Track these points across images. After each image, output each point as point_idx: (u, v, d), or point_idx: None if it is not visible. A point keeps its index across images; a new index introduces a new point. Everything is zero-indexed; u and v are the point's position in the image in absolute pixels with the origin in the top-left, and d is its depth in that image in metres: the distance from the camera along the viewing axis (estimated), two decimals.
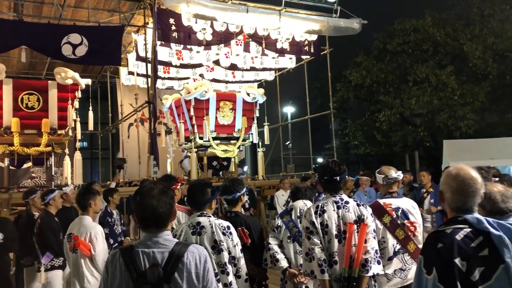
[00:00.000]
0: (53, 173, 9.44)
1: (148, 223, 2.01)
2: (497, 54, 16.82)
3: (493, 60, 16.54)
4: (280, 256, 3.71)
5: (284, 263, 3.68)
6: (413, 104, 16.91)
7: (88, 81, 10.38)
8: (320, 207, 3.20)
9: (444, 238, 1.87)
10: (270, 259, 3.69)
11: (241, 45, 10.40)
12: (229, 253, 3.03)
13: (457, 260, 1.80)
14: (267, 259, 3.68)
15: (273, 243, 3.80)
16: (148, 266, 1.91)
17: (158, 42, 8.95)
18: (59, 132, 9.56)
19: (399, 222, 3.59)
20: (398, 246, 3.57)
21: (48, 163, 9.81)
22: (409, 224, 3.60)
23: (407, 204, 3.69)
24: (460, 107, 16.23)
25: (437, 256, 1.84)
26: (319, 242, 3.09)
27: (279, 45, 10.16)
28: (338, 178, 3.22)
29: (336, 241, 3.10)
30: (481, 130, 16.63)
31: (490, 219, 1.92)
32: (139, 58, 10.11)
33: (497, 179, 5.12)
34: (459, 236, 1.85)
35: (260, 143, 11.82)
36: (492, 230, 1.85)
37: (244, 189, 3.76)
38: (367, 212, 3.19)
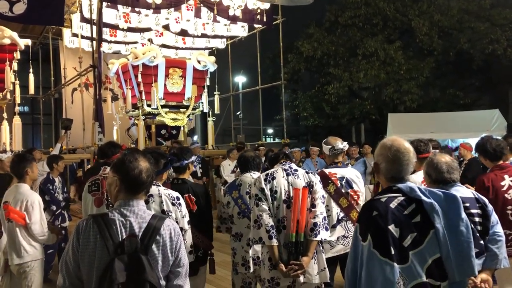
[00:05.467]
0: None
1: (131, 185, 2.01)
2: (442, 31, 17.36)
3: (438, 36, 17.07)
4: None
5: None
6: (361, 78, 17.24)
7: (28, 41, 9.74)
8: (270, 174, 3.25)
9: (379, 206, 1.93)
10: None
11: (192, 10, 10.09)
12: (177, 223, 3.01)
13: (391, 227, 1.87)
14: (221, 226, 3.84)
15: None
16: (126, 236, 1.91)
17: (104, 3, 8.52)
18: None
19: (343, 191, 3.69)
20: (342, 214, 3.68)
21: None
22: (352, 193, 3.71)
23: (351, 173, 3.79)
24: (405, 82, 16.74)
25: (372, 223, 1.90)
26: (267, 208, 3.12)
27: (231, 12, 9.94)
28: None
29: (284, 206, 3.14)
30: (424, 104, 17.28)
31: (422, 188, 2.01)
32: (83, 19, 9.59)
33: (437, 150, 5.37)
34: (393, 205, 1.92)
35: (210, 112, 11.67)
36: (424, 198, 1.94)
37: (193, 157, 3.71)
38: (316, 179, 3.24)
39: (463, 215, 1.99)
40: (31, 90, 10.72)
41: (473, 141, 7.92)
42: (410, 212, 1.92)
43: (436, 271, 1.90)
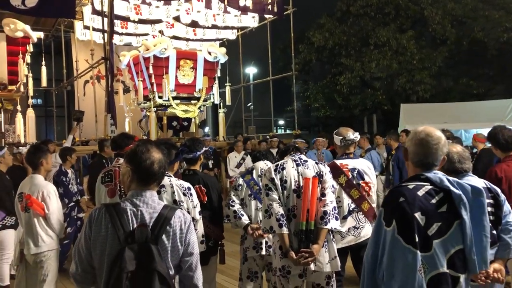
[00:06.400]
0: (3, 130, 9.06)
1: (143, 176, 2.03)
2: (456, 20, 17.10)
3: (451, 25, 16.83)
4: (242, 213, 3.80)
5: (245, 219, 3.77)
6: (373, 68, 17.10)
7: (40, 34, 9.85)
8: (280, 165, 3.28)
9: (406, 193, 1.92)
10: (234, 215, 3.78)
11: (202, 1, 10.05)
12: (188, 213, 3.04)
13: (417, 215, 1.86)
14: (229, 216, 3.80)
15: (236, 200, 3.86)
16: (137, 225, 1.93)
17: None
18: (9, 87, 9.13)
19: (354, 182, 3.68)
20: (353, 205, 3.68)
21: None
22: (364, 184, 3.70)
23: (362, 165, 3.78)
24: (418, 72, 16.55)
25: (399, 209, 1.89)
26: (277, 197, 3.16)
27: (241, 3, 9.91)
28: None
29: (295, 195, 3.16)
30: (437, 94, 17.09)
31: (450, 178, 1.99)
32: (94, 11, 9.61)
33: (450, 141, 5.32)
34: (420, 192, 1.92)
35: (221, 104, 11.69)
36: (452, 188, 1.93)
37: (204, 149, 3.76)
38: (326, 169, 3.26)
39: (486, 210, 1.99)
40: (44, 83, 10.84)
41: (486, 132, 7.82)
42: (437, 202, 1.91)
43: (457, 262, 1.90)
